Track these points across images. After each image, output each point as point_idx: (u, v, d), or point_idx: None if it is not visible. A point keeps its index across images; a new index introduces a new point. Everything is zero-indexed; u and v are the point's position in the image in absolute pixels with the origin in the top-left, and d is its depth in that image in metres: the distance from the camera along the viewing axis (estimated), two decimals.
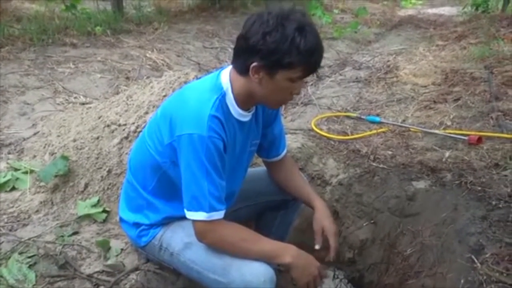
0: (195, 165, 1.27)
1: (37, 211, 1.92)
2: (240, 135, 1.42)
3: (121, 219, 1.59)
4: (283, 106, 3.24)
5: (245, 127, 1.43)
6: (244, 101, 1.37)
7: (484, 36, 4.66)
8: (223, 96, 1.34)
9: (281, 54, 1.22)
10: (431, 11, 8.37)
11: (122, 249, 1.66)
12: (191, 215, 1.31)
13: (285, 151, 1.68)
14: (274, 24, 1.21)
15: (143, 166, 1.47)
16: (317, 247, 1.54)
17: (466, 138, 2.45)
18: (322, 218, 1.57)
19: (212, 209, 1.29)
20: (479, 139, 2.41)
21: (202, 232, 1.33)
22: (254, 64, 1.26)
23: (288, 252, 1.36)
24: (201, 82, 1.42)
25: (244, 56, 1.28)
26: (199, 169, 1.27)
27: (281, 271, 2.00)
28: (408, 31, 6.38)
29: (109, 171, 1.99)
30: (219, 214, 1.31)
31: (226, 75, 1.36)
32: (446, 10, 8.19)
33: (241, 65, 1.31)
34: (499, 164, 2.15)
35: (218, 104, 1.31)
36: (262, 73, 1.27)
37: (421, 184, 2.10)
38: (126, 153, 2.01)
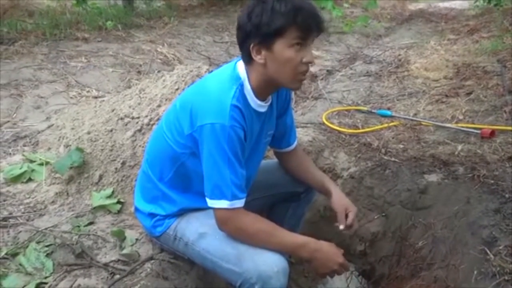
0: (218, 154, 1.29)
1: (53, 201, 1.95)
2: (257, 125, 1.44)
3: (136, 209, 1.61)
4: (295, 99, 3.25)
5: (261, 118, 1.45)
6: (261, 91, 1.38)
7: (497, 30, 4.60)
8: (241, 86, 1.36)
9: (266, 24, 1.26)
10: (442, 4, 8.26)
11: (137, 239, 1.69)
12: (213, 203, 1.33)
13: (296, 142, 1.70)
14: (255, 2, 1.29)
15: (161, 157, 1.49)
16: (341, 227, 1.57)
17: (478, 131, 2.44)
18: (342, 198, 1.61)
19: (234, 197, 1.31)
20: (492, 133, 2.39)
21: (224, 220, 1.35)
22: (251, 45, 1.31)
23: (306, 248, 1.38)
24: (219, 73, 1.43)
25: (242, 44, 1.34)
26: (221, 158, 1.29)
27: (293, 263, 2.02)
28: (419, 25, 6.31)
29: (123, 163, 2.01)
30: (241, 202, 1.34)
31: (242, 66, 1.39)
32: (457, 4, 8.08)
33: (244, 54, 1.35)
34: None
35: (238, 94, 1.33)
36: (263, 51, 1.31)
37: (433, 177, 2.09)
38: (140, 146, 2.03)
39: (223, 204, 1.32)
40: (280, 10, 1.25)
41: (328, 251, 1.40)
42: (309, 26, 1.29)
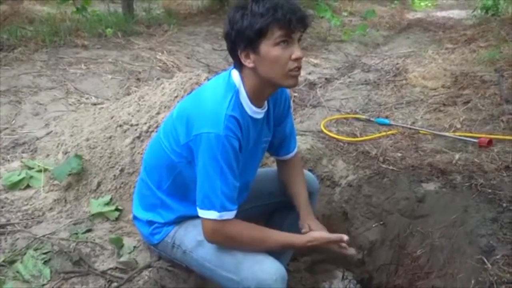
0: (211, 164, 1.29)
1: (51, 208, 1.95)
2: (254, 131, 1.44)
3: (135, 217, 1.61)
4: (293, 107, 3.26)
5: (258, 124, 1.45)
6: (256, 96, 1.39)
7: (494, 39, 4.65)
8: (236, 93, 1.36)
9: (247, 27, 1.27)
10: (440, 14, 8.35)
11: (134, 247, 1.68)
12: (203, 213, 1.33)
13: (295, 151, 1.70)
14: (234, 10, 1.31)
15: (158, 166, 1.49)
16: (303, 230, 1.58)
17: (476, 140, 2.45)
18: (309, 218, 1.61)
19: (223, 208, 1.31)
20: (490, 142, 2.40)
21: (211, 230, 1.34)
22: (239, 52, 1.32)
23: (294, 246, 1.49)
24: (214, 82, 1.44)
25: (232, 53, 1.36)
26: (214, 168, 1.29)
27: (291, 271, 2.02)
28: (417, 34, 6.37)
29: (121, 170, 2.01)
30: (230, 214, 1.33)
31: (236, 74, 1.39)
32: (455, 13, 8.17)
33: (235, 61, 1.37)
34: (509, 166, 2.15)
35: (234, 103, 1.33)
36: (251, 55, 1.31)
37: (430, 186, 2.10)
38: (138, 153, 2.04)
39: (212, 215, 1.31)
40: (259, 11, 1.26)
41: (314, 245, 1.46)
42: (290, 22, 1.26)
